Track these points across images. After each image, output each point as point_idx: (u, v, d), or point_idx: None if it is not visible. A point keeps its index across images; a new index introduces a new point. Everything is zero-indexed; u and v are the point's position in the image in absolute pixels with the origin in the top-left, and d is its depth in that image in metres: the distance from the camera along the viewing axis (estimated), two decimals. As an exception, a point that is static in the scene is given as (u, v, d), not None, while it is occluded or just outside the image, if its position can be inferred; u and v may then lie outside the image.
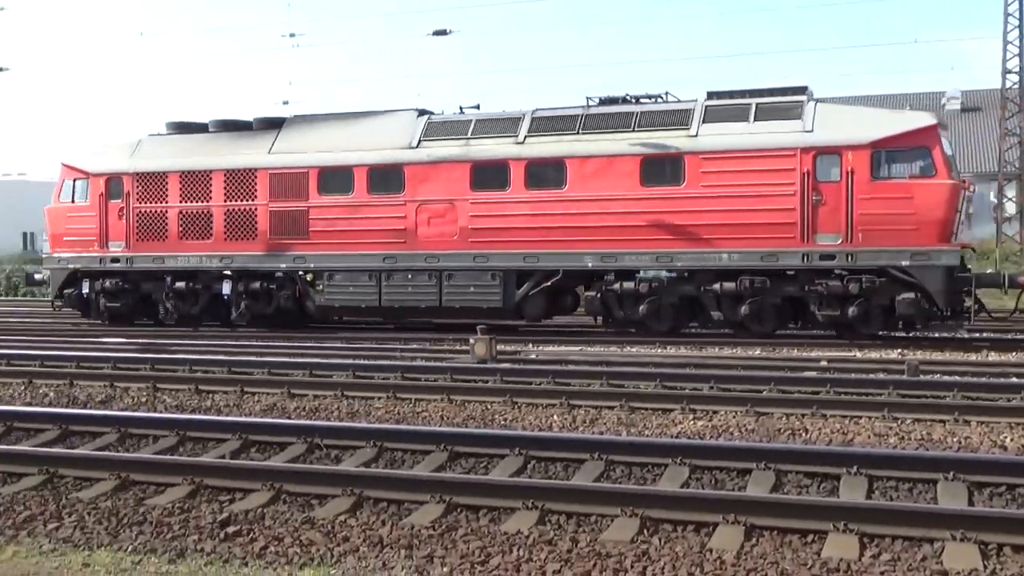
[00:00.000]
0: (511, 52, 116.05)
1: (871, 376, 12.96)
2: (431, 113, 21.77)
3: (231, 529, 6.67)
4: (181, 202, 22.44)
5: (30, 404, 12.14)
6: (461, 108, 21.81)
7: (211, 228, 22.18)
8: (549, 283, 19.87)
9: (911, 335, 18.83)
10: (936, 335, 19.12)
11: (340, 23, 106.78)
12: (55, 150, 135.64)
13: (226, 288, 22.13)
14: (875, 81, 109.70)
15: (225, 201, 22.11)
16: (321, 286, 21.35)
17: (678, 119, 19.46)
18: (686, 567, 5.84)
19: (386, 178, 20.90)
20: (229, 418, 10.56)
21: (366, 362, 14.78)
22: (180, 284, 22.34)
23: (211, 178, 22.22)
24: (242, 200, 21.99)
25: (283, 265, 21.62)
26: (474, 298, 20.23)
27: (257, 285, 21.83)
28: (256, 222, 21.83)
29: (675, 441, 9.10)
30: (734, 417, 10.65)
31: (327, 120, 22.51)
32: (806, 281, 18.39)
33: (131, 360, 15.23)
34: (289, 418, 10.98)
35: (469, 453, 8.61)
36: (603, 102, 20.68)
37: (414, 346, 17.95)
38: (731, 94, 19.66)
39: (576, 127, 20.02)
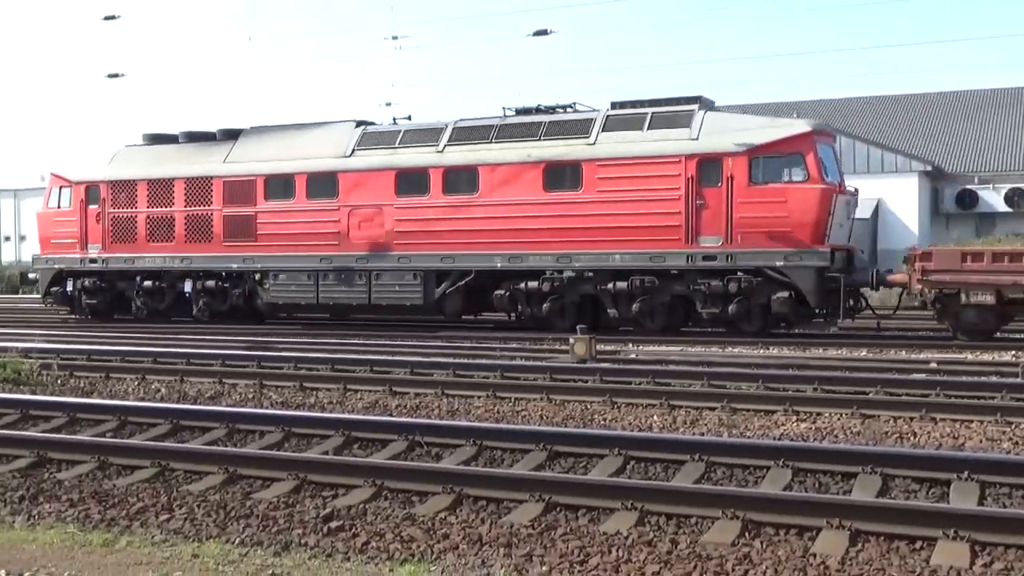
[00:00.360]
0: (612, 51, 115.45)
1: (983, 379, 12.57)
2: (368, 124, 23.60)
3: (334, 524, 6.79)
4: (148, 207, 24.75)
5: (143, 399, 12.52)
6: (395, 119, 24.11)
7: (173, 231, 24.38)
8: (463, 282, 21.37)
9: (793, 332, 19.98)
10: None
11: (442, 25, 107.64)
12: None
13: (187, 287, 24.20)
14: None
15: (185, 207, 24.30)
16: (268, 285, 23.28)
17: (580, 129, 20.86)
18: (789, 571, 5.74)
19: (323, 185, 22.75)
20: (332, 415, 10.76)
21: (466, 361, 14.89)
22: (148, 283, 24.66)
23: (173, 186, 24.46)
24: (200, 206, 24.16)
25: (235, 265, 23.66)
26: (399, 296, 21.91)
27: (213, 284, 23.86)
28: (212, 226, 23.95)
29: (778, 443, 8.94)
30: (839, 419, 10.43)
31: (276, 131, 24.59)
32: (691, 281, 19.57)
33: (239, 358, 15.61)
34: (391, 416, 11.12)
35: (568, 453, 8.59)
36: (518, 112, 22.23)
37: (514, 345, 18.02)
38: (632, 103, 20.96)
39: (490, 137, 21.59)
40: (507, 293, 21.11)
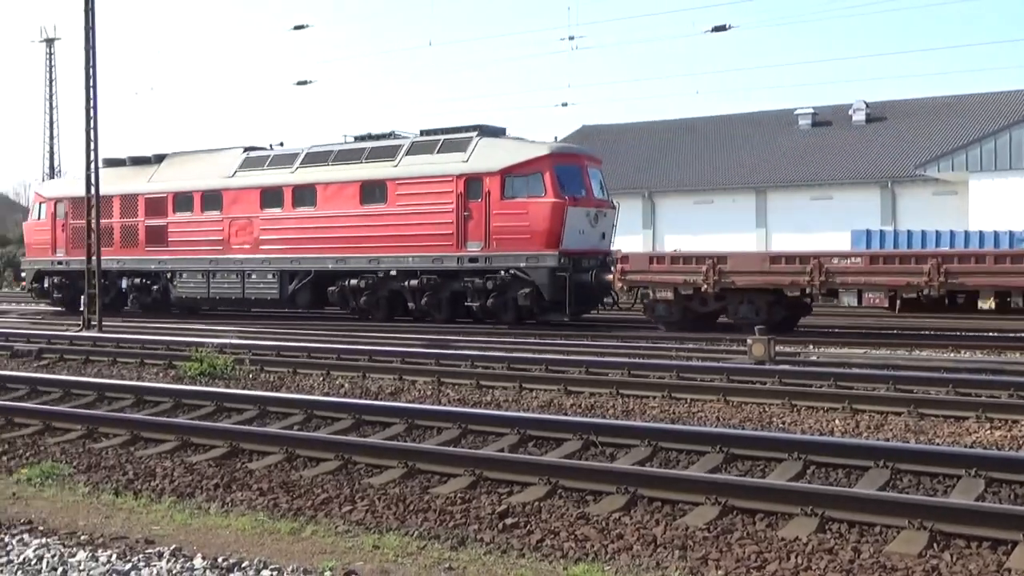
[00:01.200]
0: (789, 46, 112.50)
1: None
2: (252, 149, 28.45)
3: (509, 521, 6.87)
4: (141, 214, 29.75)
5: (328, 394, 12.99)
6: (271, 145, 28.96)
7: (112, 239, 29.34)
8: (307, 280, 26.06)
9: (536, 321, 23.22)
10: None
11: (620, 24, 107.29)
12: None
13: (123, 283, 29.79)
14: None
15: (120, 218, 29.78)
16: (176, 282, 28.51)
17: (389, 153, 25.30)
18: (981, 586, 5.46)
19: (212, 200, 27.88)
20: (508, 413, 10.88)
21: (641, 361, 14.80)
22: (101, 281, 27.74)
23: (113, 201, 29.34)
24: (130, 218, 29.62)
25: (153, 267, 29.10)
26: (263, 291, 26.92)
27: (139, 281, 29.47)
28: (138, 234, 29.42)
29: (969, 451, 8.51)
30: (1038, 428, 9.85)
31: (186, 155, 30.06)
32: (462, 279, 23.59)
33: (418, 355, 15.99)
34: (565, 414, 11.17)
35: (746, 456, 8.44)
36: (356, 139, 26.80)
37: (690, 345, 17.80)
38: (434, 131, 25.12)
39: (327, 160, 26.35)
40: (337, 289, 25.61)
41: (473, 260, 23.26)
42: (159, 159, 30.47)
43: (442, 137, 24.78)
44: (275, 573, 5.79)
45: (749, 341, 15.10)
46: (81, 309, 23.88)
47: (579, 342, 18.51)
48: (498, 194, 23.03)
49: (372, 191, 25.06)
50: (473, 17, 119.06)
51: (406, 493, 7.67)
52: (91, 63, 23.43)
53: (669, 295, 20.99)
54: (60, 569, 5.92)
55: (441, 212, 23.71)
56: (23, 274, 34.79)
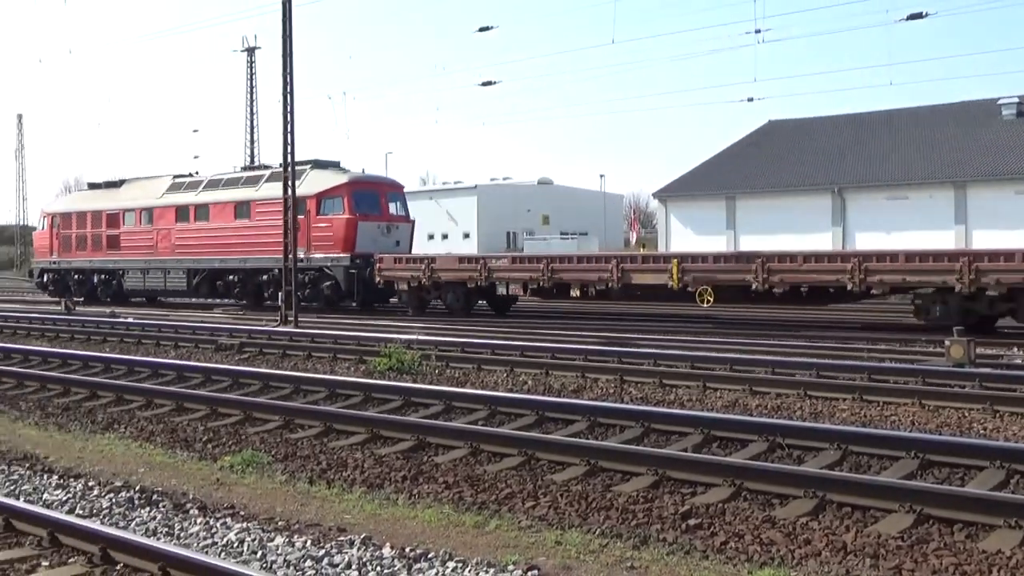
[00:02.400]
0: (991, 32, 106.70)
1: None
2: (179, 176, 36.86)
3: (692, 521, 6.79)
4: (76, 230, 38.45)
5: (511, 390, 13.14)
6: (191, 173, 37.66)
7: (87, 244, 37.92)
8: (203, 276, 33.65)
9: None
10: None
11: (808, 15, 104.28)
12: (535, 153, 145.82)
13: (95, 279, 37.88)
14: None
15: (91, 229, 37.85)
16: (125, 279, 36.71)
17: (254, 181, 33.06)
18: None
19: (147, 215, 35.89)
20: (692, 412, 10.74)
21: (831, 361, 14.34)
22: (77, 276, 38.62)
23: (87, 216, 38.13)
24: (97, 228, 37.64)
25: (110, 266, 37.17)
26: (178, 285, 34.81)
27: (104, 277, 37.54)
28: (103, 241, 37.33)
29: None
30: None
31: (137, 180, 38.25)
32: (300, 274, 28.20)
33: (600, 353, 15.97)
34: (751, 415, 10.94)
35: (943, 463, 8.06)
36: (242, 170, 36.14)
37: (882, 346, 17.12)
38: (287, 165, 27.57)
39: (219, 186, 34.11)
40: (222, 283, 33.29)
41: (301, 261, 28.23)
42: (121, 183, 38.70)
43: (305, 164, 31.26)
44: (460, 565, 5.91)
45: (947, 343, 14.38)
46: (279, 305, 25.22)
47: (763, 341, 18.08)
48: (315, 212, 30.32)
49: (242, 209, 32.73)
50: (656, 14, 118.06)
51: (588, 490, 7.69)
52: (288, 69, 24.52)
53: (404, 286, 28.35)
54: (260, 552, 6.22)
55: (281, 225, 27.33)
56: (32, 271, 43.22)
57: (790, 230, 47.30)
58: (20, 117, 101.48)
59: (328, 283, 29.78)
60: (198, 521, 6.94)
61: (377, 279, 28.31)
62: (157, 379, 14.45)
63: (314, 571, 5.87)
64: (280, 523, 6.90)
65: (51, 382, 13.99)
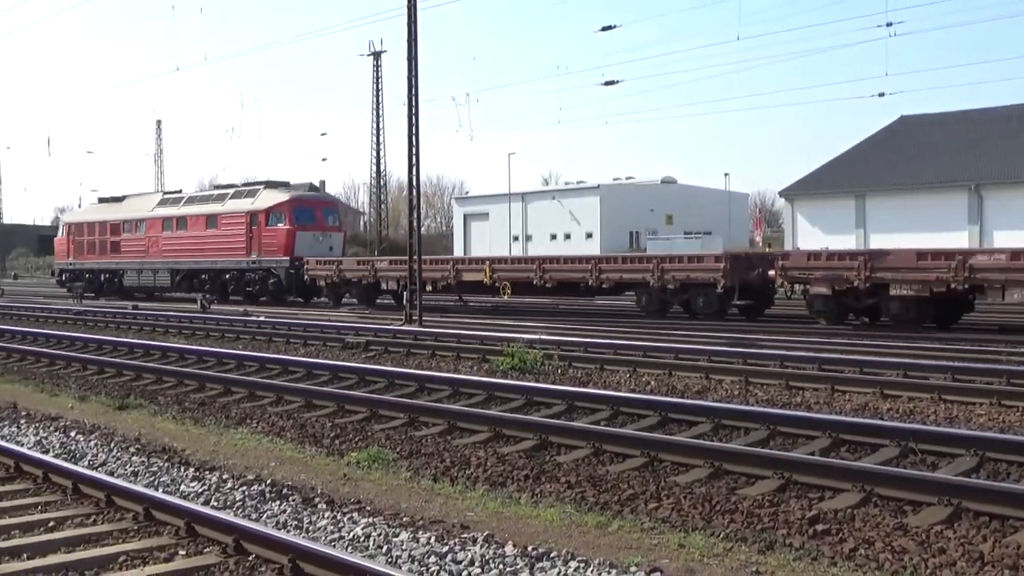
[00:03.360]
0: None
1: None
2: (168, 193, 45.42)
3: (820, 527, 6.64)
4: (87, 237, 46.40)
5: (634, 391, 13.07)
6: (178, 191, 45.81)
7: (95, 249, 45.70)
8: (183, 276, 40.99)
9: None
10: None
11: (942, 6, 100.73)
12: (658, 152, 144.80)
13: (102, 278, 45.61)
14: None
15: (98, 236, 45.61)
16: (125, 278, 44.59)
17: (221, 197, 40.47)
18: None
19: (141, 225, 43.21)
20: (819, 415, 10.50)
21: (967, 364, 13.84)
22: (88, 275, 46.29)
23: (96, 225, 45.99)
24: (103, 236, 45.24)
25: (113, 267, 44.92)
26: (164, 283, 42.32)
27: (108, 276, 45.37)
28: (108, 246, 44.88)
29: None
30: None
31: (135, 196, 46.52)
32: (249, 274, 37.68)
33: (724, 354, 15.76)
34: (881, 419, 10.63)
35: (1088, 471, 7.70)
36: (214, 187, 46.19)
37: (1022, 350, 16.42)
38: (248, 184, 40.16)
39: (195, 201, 41.78)
40: (197, 281, 39.94)
41: (253, 263, 37.43)
42: (123, 198, 46.63)
43: (245, 188, 40.61)
44: (582, 565, 5.91)
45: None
46: (404, 304, 25.64)
47: (894, 343, 17.54)
48: (264, 223, 37.33)
49: (211, 220, 39.76)
50: (783, 9, 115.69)
51: (712, 493, 7.59)
52: (413, 72, 24.89)
53: (323, 283, 35.19)
54: (385, 547, 6.33)
55: (240, 235, 38.05)
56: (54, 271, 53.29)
57: (924, 229, 45.68)
58: (159, 123, 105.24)
59: (273, 280, 37.10)
60: (326, 515, 7.11)
61: (305, 277, 35.52)
62: (287, 376, 14.85)
63: (438, 567, 5.94)
64: (405, 519, 7.01)
65: (188, 378, 14.51)
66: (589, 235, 69.13)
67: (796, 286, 22.84)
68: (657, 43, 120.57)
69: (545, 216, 72.17)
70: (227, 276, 38.86)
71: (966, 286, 20.16)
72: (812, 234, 51.82)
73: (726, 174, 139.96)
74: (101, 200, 49.55)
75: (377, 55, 69.72)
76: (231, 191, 40.61)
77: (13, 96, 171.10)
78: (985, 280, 19.94)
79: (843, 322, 22.27)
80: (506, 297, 29.75)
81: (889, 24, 41.04)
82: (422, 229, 30.57)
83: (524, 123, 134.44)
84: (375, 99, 72.35)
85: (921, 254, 21.14)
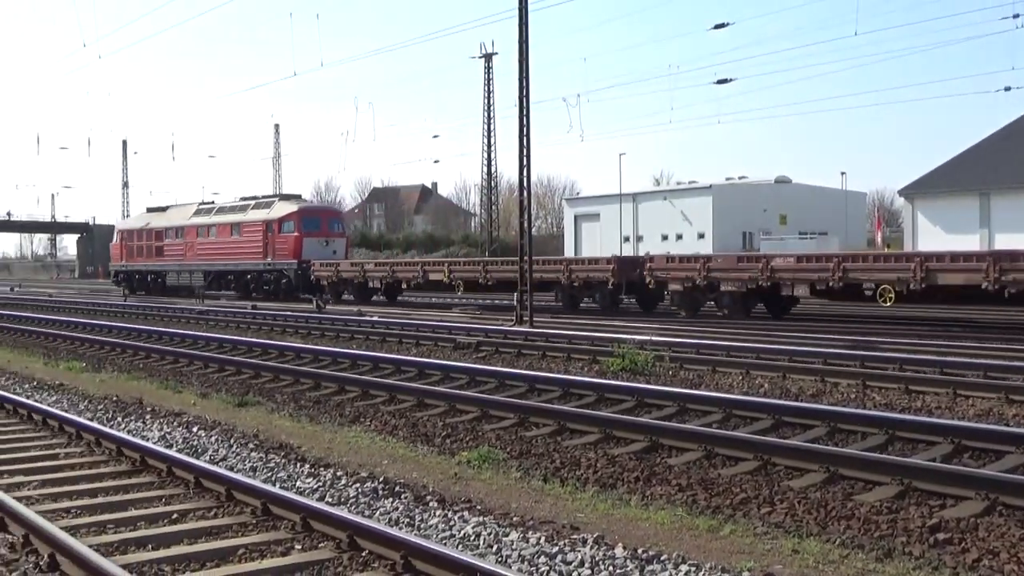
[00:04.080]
0: None
1: None
2: (204, 203, 51.93)
3: (941, 536, 6.44)
4: (136, 242, 53.18)
5: (747, 393, 12.86)
6: (211, 202, 53.26)
7: (144, 252, 52.50)
8: (213, 276, 46.93)
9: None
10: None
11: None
12: (772, 151, 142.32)
13: (148, 278, 52.20)
14: None
15: (145, 242, 52.27)
16: (166, 278, 50.47)
17: (244, 208, 46.62)
18: None
19: (180, 232, 49.71)
20: (941, 420, 10.19)
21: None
22: (137, 276, 53.29)
23: (143, 232, 52.72)
24: (149, 241, 51.92)
25: (157, 268, 51.27)
26: (198, 282, 47.34)
27: (153, 276, 51.95)
28: (152, 250, 51.70)
29: None
30: None
31: (177, 206, 53.46)
32: (267, 274, 43.75)
33: (841, 356, 15.40)
34: (1007, 425, 10.25)
35: None
36: (240, 199, 49.44)
37: None
38: (263, 197, 47.98)
39: (225, 211, 47.96)
40: (224, 281, 46.39)
41: (268, 265, 43.54)
42: (167, 208, 53.93)
43: (263, 200, 46.73)
44: (693, 569, 5.85)
45: None
46: (515, 304, 25.78)
47: (1020, 347, 16.87)
48: (278, 231, 43.30)
49: (235, 228, 46.13)
50: (902, 3, 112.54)
51: (827, 498, 7.43)
52: (524, 74, 24.99)
53: (325, 283, 39.87)
54: (495, 546, 6.37)
55: (259, 240, 43.96)
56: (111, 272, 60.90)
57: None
58: (277, 127, 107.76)
59: (284, 280, 42.87)
60: (437, 513, 7.19)
61: (312, 277, 40.64)
62: (400, 375, 15.06)
63: (548, 567, 5.95)
64: (515, 519, 7.04)
65: (304, 377, 14.84)
66: (701, 235, 68.29)
67: (671, 284, 27.55)
68: (771, 40, 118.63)
69: (656, 217, 71.57)
70: (248, 277, 45.06)
71: (768, 283, 24.59)
72: (933, 234, 50.28)
73: (843, 173, 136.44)
74: (149, 210, 56.04)
75: (488, 57, 70.23)
76: (252, 202, 46.87)
77: (140, 103, 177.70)
78: (781, 279, 24.54)
79: (696, 313, 26.80)
80: (459, 292, 35.55)
81: (1016, 16, 39.51)
82: (532, 230, 30.47)
83: (635, 123, 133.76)
84: (486, 101, 72.86)
85: (740, 258, 27.29)
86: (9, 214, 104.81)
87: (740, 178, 77.49)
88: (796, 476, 8.17)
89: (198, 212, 49.96)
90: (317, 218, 44.97)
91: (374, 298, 38.64)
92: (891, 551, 6.17)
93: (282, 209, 43.95)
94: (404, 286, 37.39)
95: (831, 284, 23.30)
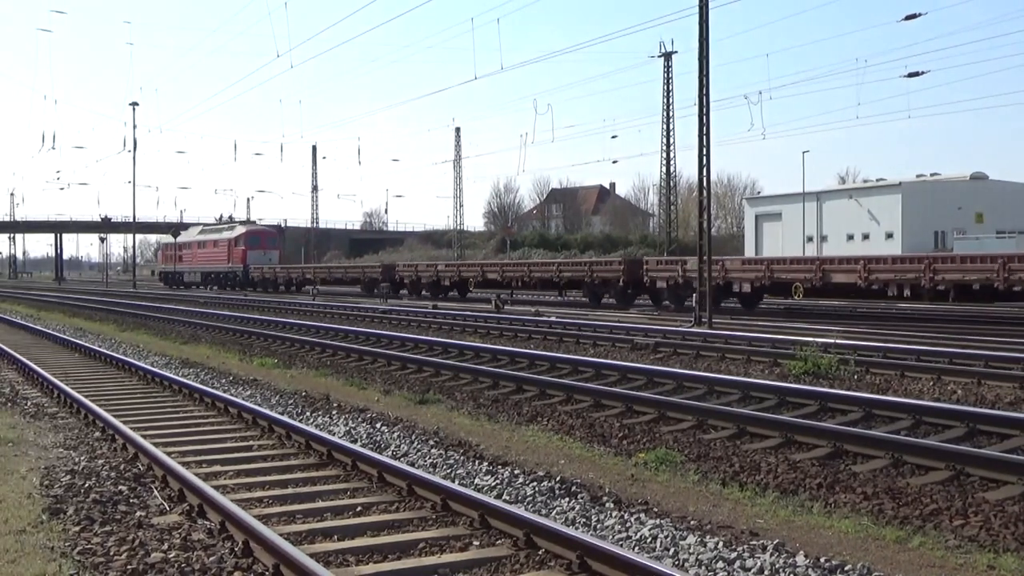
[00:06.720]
0: None
1: None
2: (206, 224, 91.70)
3: None
4: (176, 252, 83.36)
5: (938, 399, 12.31)
6: (210, 223, 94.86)
7: (171, 260, 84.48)
8: (208, 277, 77.23)
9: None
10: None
11: None
12: (967, 147, 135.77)
13: (175, 276, 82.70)
14: None
15: (177, 252, 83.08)
16: (184, 277, 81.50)
17: (219, 230, 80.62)
18: None
19: (192, 244, 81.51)
20: None
21: None
22: (170, 275, 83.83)
23: (172, 246, 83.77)
24: (179, 251, 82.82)
25: (180, 270, 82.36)
26: (199, 281, 78.52)
27: (178, 275, 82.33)
28: (181, 258, 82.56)
29: None
30: None
31: (194, 224, 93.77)
32: (226, 275, 73.92)
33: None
34: None
35: None
36: (223, 221, 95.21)
37: None
38: (243, 222, 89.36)
39: (210, 231, 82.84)
40: (212, 279, 75.01)
41: (231, 269, 70.58)
42: (188, 226, 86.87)
43: (228, 224, 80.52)
44: (879, 581, 5.63)
45: None
46: (693, 306, 25.56)
47: None
48: (234, 245, 71.19)
49: (216, 244, 74.43)
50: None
51: (1027, 512, 7.02)
52: (704, 72, 24.69)
53: (260, 279, 67.24)
54: (672, 550, 6.31)
55: (225, 252, 71.87)
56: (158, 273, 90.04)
57: None
58: (458, 131, 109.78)
59: (237, 277, 67.80)
60: (613, 514, 7.17)
61: (252, 276, 65.94)
62: (577, 376, 15.10)
63: (726, 573, 5.85)
64: (692, 522, 6.96)
65: (482, 376, 15.08)
66: (889, 235, 65.70)
67: (657, 282, 33.17)
68: (966, 31, 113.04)
69: (841, 216, 69.30)
70: (221, 276, 71.67)
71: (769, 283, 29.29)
72: None
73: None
74: (174, 232, 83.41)
75: (668, 56, 69.51)
76: (226, 226, 77.29)
77: (328, 111, 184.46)
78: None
79: (682, 307, 29.34)
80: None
81: None
82: (712, 230, 30.19)
83: (819, 120, 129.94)
84: (665, 100, 72.14)
85: (674, 261, 33.76)
86: (219, 217, 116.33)
87: (932, 175, 74.19)
88: (992, 488, 7.76)
89: (201, 232, 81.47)
90: (258, 236, 73.45)
91: (447, 294, 45.74)
92: (1098, 571, 5.80)
93: (237, 231, 73.50)
94: (471, 284, 43.45)
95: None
